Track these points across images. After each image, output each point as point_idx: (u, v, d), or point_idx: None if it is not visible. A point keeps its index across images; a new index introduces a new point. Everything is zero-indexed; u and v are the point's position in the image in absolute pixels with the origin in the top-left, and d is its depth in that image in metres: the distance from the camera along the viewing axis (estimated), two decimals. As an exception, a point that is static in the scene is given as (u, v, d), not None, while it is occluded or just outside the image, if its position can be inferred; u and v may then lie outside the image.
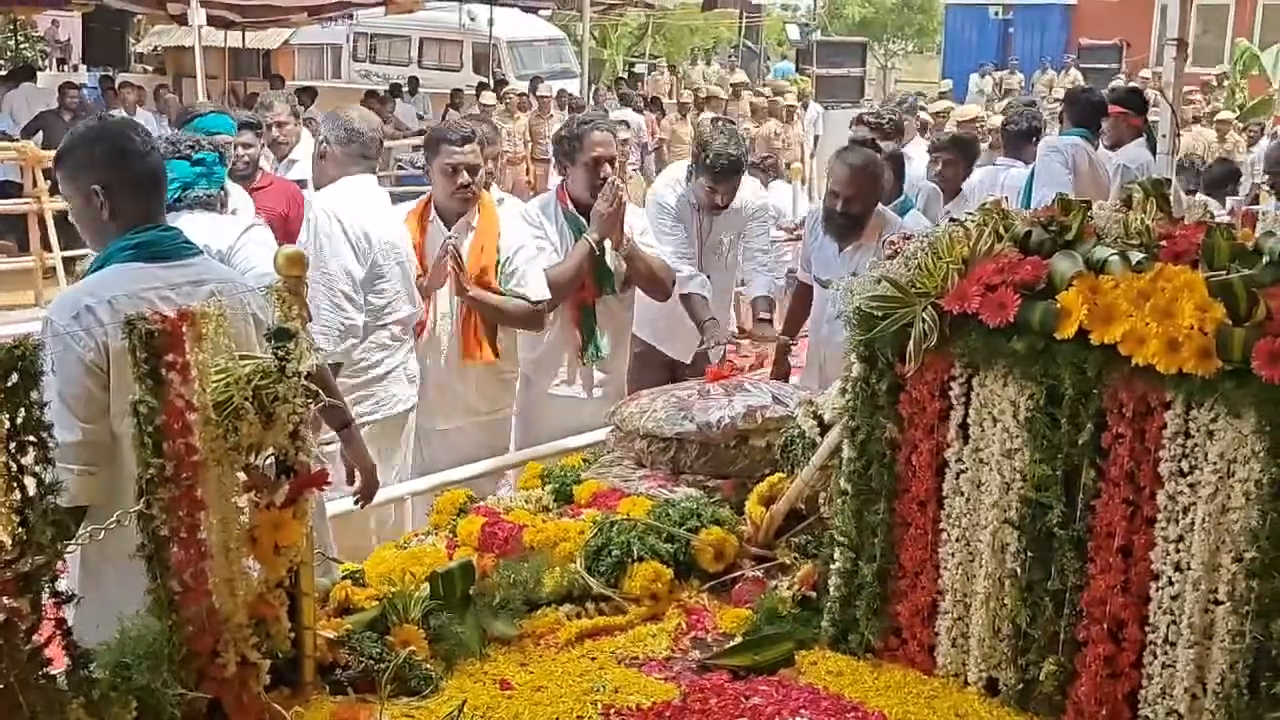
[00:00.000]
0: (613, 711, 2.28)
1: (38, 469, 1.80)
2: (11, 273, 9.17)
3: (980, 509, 2.36)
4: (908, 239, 2.63)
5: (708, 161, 4.70)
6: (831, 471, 2.70)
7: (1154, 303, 2.13)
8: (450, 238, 4.14)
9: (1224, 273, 2.16)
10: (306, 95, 14.19)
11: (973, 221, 2.50)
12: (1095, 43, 22.71)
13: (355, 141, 4.13)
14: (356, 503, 3.36)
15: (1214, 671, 2.10)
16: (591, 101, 15.88)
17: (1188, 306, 2.09)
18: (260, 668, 2.17)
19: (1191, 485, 2.11)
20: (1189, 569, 2.12)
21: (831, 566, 2.58)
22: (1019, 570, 2.32)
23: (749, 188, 5.02)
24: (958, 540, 2.40)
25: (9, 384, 1.77)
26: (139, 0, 14.65)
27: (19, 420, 1.78)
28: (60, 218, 8.43)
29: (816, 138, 16.37)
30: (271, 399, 2.15)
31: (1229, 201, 8.85)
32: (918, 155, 7.57)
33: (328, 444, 3.34)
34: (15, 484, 1.79)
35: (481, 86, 17.11)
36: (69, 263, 8.75)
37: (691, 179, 4.88)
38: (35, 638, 1.82)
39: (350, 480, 3.28)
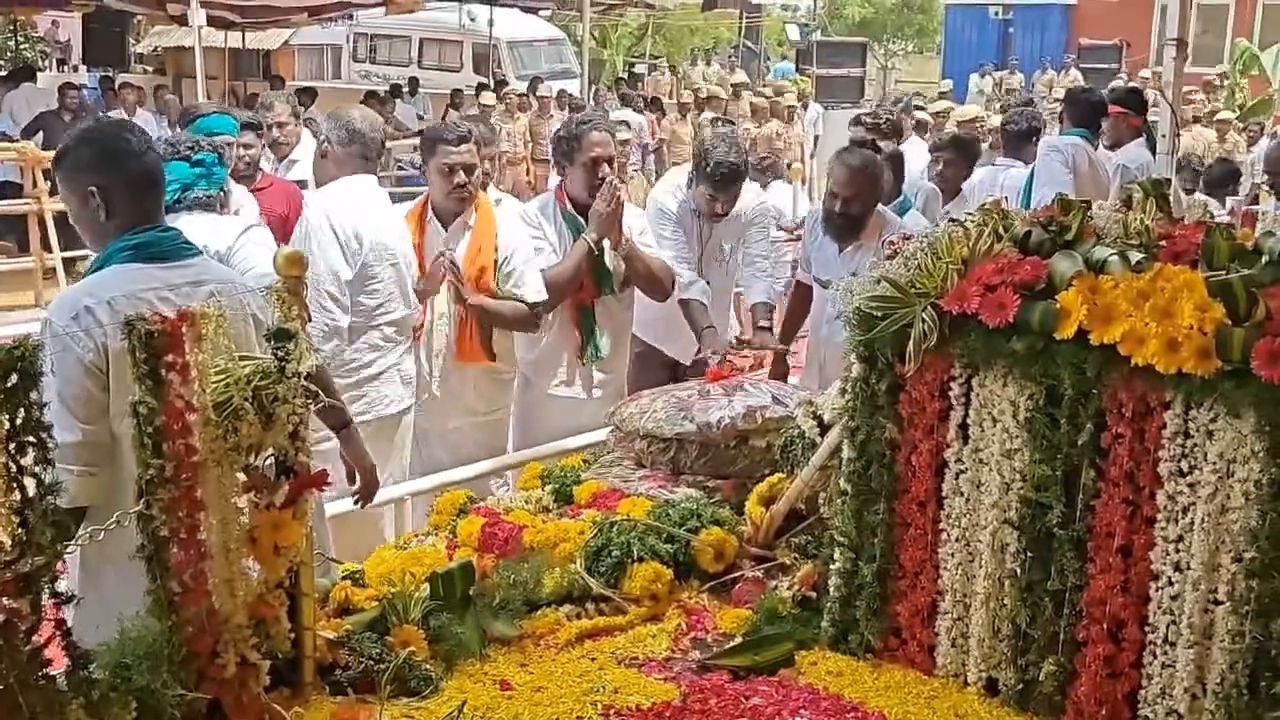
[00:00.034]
0: (612, 712, 2.28)
1: (37, 470, 1.81)
2: (11, 273, 9.17)
3: (980, 509, 2.36)
4: (907, 239, 2.63)
5: (708, 170, 4.70)
6: (831, 472, 2.70)
7: (1153, 303, 2.13)
8: (445, 250, 4.14)
9: (1223, 273, 2.16)
10: (306, 96, 14.19)
11: (972, 222, 2.51)
12: (1095, 43, 22.70)
13: (356, 142, 4.13)
14: (356, 503, 3.35)
15: (1214, 671, 2.11)
16: (591, 102, 15.88)
17: (1187, 306, 2.09)
18: (260, 668, 2.17)
19: (1191, 485, 2.11)
20: (1189, 569, 2.12)
21: (831, 567, 2.58)
22: (1019, 570, 2.32)
23: (749, 192, 5.02)
24: (957, 540, 2.41)
25: (8, 385, 1.77)
26: (139, 1, 14.64)
27: (18, 421, 1.79)
28: (60, 218, 8.42)
29: (816, 138, 16.37)
30: (271, 399, 2.15)
31: (1229, 201, 8.85)
32: (913, 155, 7.57)
33: (319, 443, 3.34)
34: (15, 485, 1.79)
35: (481, 87, 17.11)
36: (69, 263, 8.75)
37: (692, 186, 4.88)
38: (35, 638, 1.82)
39: (351, 480, 3.28)
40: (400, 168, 13.85)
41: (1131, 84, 12.84)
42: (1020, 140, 7.03)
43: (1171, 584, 2.14)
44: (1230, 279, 2.11)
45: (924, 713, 2.35)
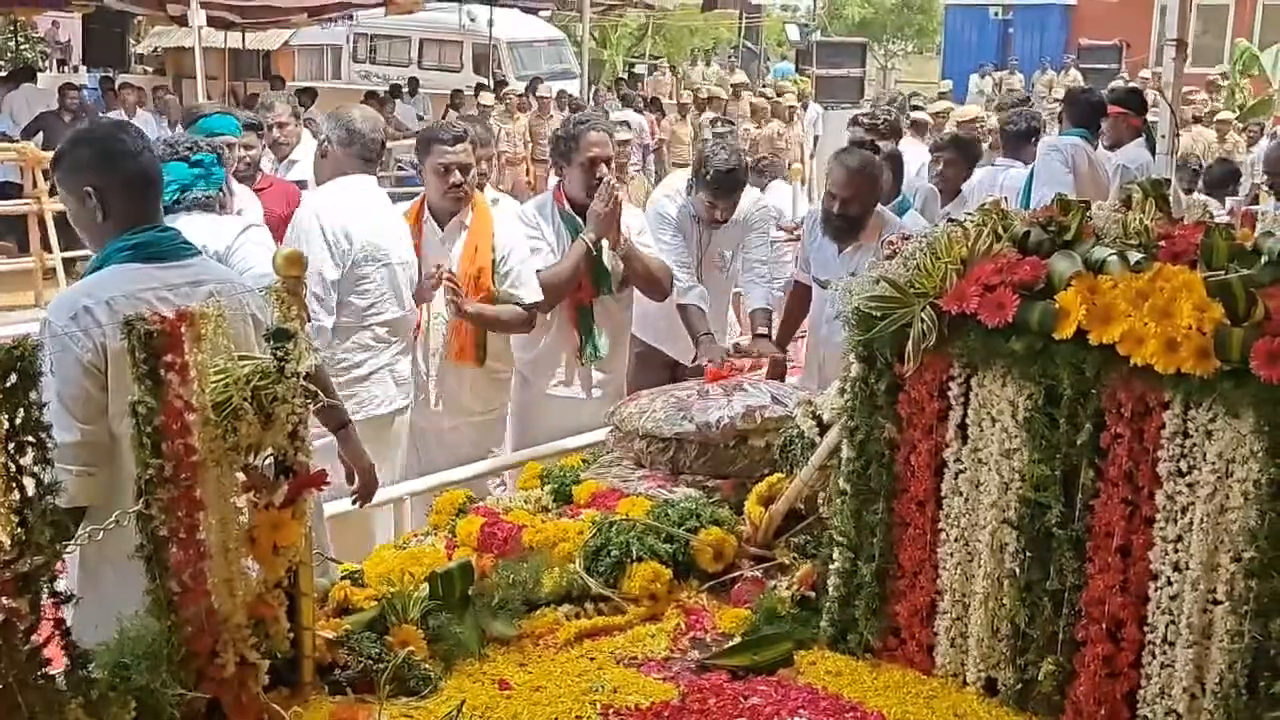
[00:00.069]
0: (611, 711, 2.28)
1: (37, 469, 1.81)
2: (11, 274, 9.17)
3: (979, 509, 2.36)
4: (906, 239, 2.63)
5: (708, 178, 4.70)
6: (830, 471, 2.70)
7: (1152, 303, 2.13)
8: (440, 266, 4.14)
9: (1223, 273, 2.16)
10: (306, 96, 14.19)
11: (971, 222, 2.51)
12: (1095, 43, 22.70)
13: (356, 143, 4.14)
14: (355, 503, 3.36)
15: (1213, 671, 2.10)
16: (591, 102, 15.88)
17: (1186, 306, 2.09)
18: (259, 668, 2.17)
19: (1190, 485, 2.11)
20: (1187, 569, 2.12)
21: (830, 566, 2.58)
22: (1017, 570, 2.32)
23: (748, 197, 5.02)
24: (956, 540, 2.41)
25: (8, 385, 1.77)
26: (139, 1, 14.65)
27: (18, 421, 1.79)
28: (60, 219, 8.42)
29: (816, 138, 16.37)
30: (270, 399, 2.15)
31: (1229, 201, 8.85)
32: (909, 155, 7.56)
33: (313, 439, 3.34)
34: (14, 484, 1.79)
35: (480, 87, 17.11)
36: (69, 264, 8.75)
37: (692, 192, 4.88)
38: (34, 638, 1.82)
39: (349, 480, 3.28)
40: (400, 168, 13.85)
41: (1131, 84, 12.83)
42: (1019, 140, 7.03)
43: (1170, 584, 2.14)
44: (1229, 279, 2.11)
45: (923, 712, 2.35)
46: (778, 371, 4.69)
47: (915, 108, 13.09)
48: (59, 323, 2.49)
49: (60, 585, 1.92)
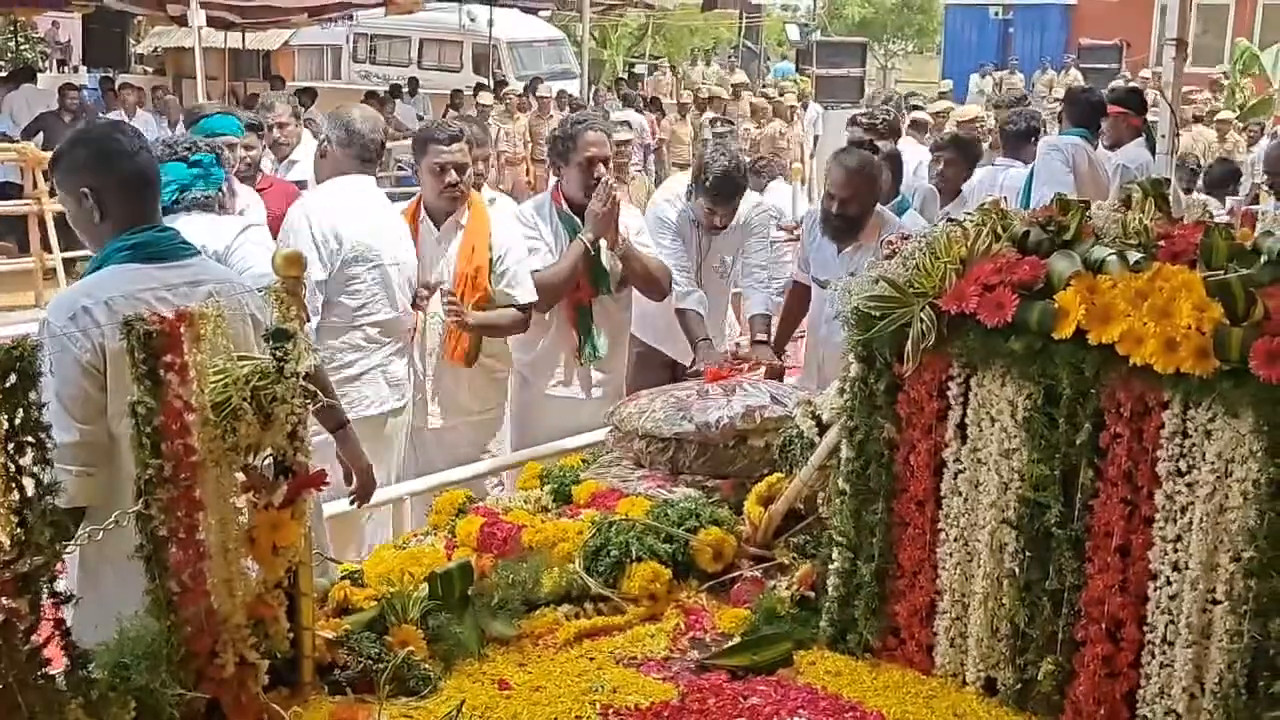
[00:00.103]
0: (611, 711, 2.28)
1: (36, 470, 1.81)
2: (12, 274, 9.17)
3: (978, 509, 2.36)
4: (905, 239, 2.63)
5: (707, 184, 4.71)
6: (830, 471, 2.70)
7: (1152, 302, 2.13)
8: (442, 283, 4.14)
9: (1222, 272, 2.16)
10: (306, 96, 14.19)
11: (970, 221, 2.51)
12: (1095, 43, 22.70)
13: (355, 143, 4.14)
14: (352, 503, 3.36)
15: (1212, 671, 2.10)
16: (591, 102, 15.88)
17: (1185, 306, 2.09)
18: (259, 668, 2.17)
19: (1189, 485, 2.11)
20: (1187, 568, 2.12)
21: (830, 566, 2.58)
22: (1017, 570, 2.32)
23: (748, 201, 5.02)
24: (956, 540, 2.41)
25: (7, 385, 1.77)
26: (139, 1, 14.65)
27: (17, 421, 1.79)
28: (60, 219, 8.41)
29: (816, 138, 16.37)
30: (270, 399, 2.15)
31: (1229, 201, 8.85)
32: (908, 154, 7.56)
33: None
34: (14, 485, 1.79)
35: (480, 87, 17.11)
36: (69, 264, 8.75)
37: (691, 197, 4.88)
38: (34, 638, 1.82)
39: (347, 481, 3.28)
40: (400, 168, 13.84)
41: (1131, 84, 12.83)
42: (1019, 140, 7.03)
43: (1170, 583, 2.14)
44: (1229, 279, 2.11)
45: (922, 712, 2.35)
46: (775, 372, 4.69)
47: (915, 107, 13.09)
48: (58, 323, 2.49)
49: (60, 585, 1.92)
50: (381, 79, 20.23)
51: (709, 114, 15.34)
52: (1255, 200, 8.60)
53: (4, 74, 16.54)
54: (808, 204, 8.74)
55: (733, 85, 19.37)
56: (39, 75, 17.63)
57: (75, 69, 21.80)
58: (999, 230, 2.45)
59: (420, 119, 16.42)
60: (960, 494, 2.39)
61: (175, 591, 2.03)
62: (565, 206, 4.48)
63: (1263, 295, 2.08)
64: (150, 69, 21.74)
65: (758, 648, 2.53)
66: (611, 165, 4.54)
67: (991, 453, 2.32)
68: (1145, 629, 2.18)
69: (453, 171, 4.16)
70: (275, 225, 4.56)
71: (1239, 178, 9.86)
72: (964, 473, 2.38)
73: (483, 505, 3.19)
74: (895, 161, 5.85)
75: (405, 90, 18.11)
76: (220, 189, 3.89)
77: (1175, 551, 2.13)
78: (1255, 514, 2.03)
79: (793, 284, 5.11)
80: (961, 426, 2.37)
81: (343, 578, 2.65)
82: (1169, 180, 4.74)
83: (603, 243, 4.40)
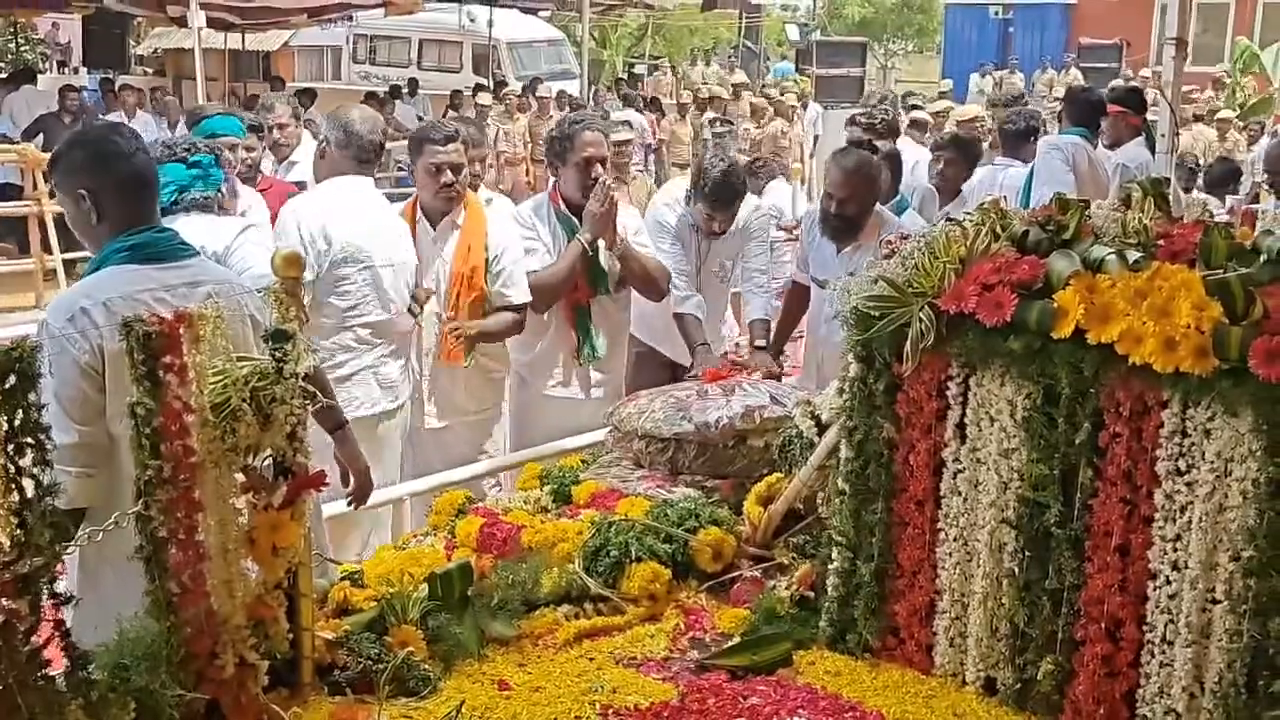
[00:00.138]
0: (611, 712, 2.28)
1: (36, 471, 1.81)
2: (12, 275, 9.18)
3: (978, 508, 2.36)
4: (904, 239, 2.63)
5: (706, 190, 4.71)
6: (829, 471, 2.70)
7: (1151, 302, 2.13)
8: (433, 291, 4.12)
9: (1221, 272, 2.16)
10: (306, 97, 14.18)
11: (970, 221, 2.51)
12: (1095, 42, 22.70)
13: (353, 144, 4.14)
14: (350, 504, 3.35)
15: (1212, 670, 2.10)
16: (591, 102, 15.88)
17: (1185, 305, 2.09)
18: (258, 669, 2.17)
19: (1189, 484, 2.11)
20: (1186, 568, 2.12)
21: (829, 566, 2.58)
22: (1016, 570, 2.32)
23: (748, 205, 5.02)
24: (955, 540, 2.41)
25: (7, 386, 1.77)
26: (139, 3, 14.65)
27: (17, 422, 1.79)
28: (60, 220, 8.41)
29: (816, 138, 16.37)
30: (269, 400, 2.15)
31: (1229, 200, 8.85)
32: (907, 154, 7.56)
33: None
34: (14, 486, 1.79)
35: (479, 88, 17.11)
36: (69, 265, 8.76)
37: (690, 202, 4.89)
38: (34, 639, 1.82)
39: (345, 482, 3.28)
40: (400, 169, 13.85)
41: (1131, 83, 12.82)
42: (1018, 140, 7.03)
43: (1169, 583, 2.14)
44: (1228, 278, 2.11)
45: (922, 712, 2.35)
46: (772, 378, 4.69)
47: (914, 107, 13.08)
48: (56, 324, 2.49)
49: (60, 586, 1.92)
50: (381, 80, 20.24)
51: (709, 114, 15.34)
52: (1255, 199, 8.60)
53: (4, 75, 16.54)
54: (807, 204, 8.74)
55: (733, 85, 19.37)
56: (39, 76, 17.63)
57: (75, 70, 21.81)
58: (998, 230, 2.45)
59: (420, 120, 16.42)
60: (960, 494, 2.39)
61: (175, 592, 2.03)
62: (563, 207, 4.48)
63: (1262, 294, 2.08)
64: (150, 70, 21.75)
65: (757, 648, 2.53)
66: (609, 165, 4.54)
67: (991, 452, 2.32)
68: (1145, 628, 2.18)
69: (448, 172, 4.16)
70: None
71: (1239, 177, 9.86)
72: (963, 472, 2.38)
73: (482, 506, 3.19)
74: (894, 161, 5.85)
75: (405, 91, 18.12)
76: (219, 190, 3.89)
77: (1175, 551, 2.13)
78: (1254, 513, 2.03)
79: (792, 284, 5.11)
80: (961, 426, 2.37)
81: (342, 578, 2.65)
82: (1169, 179, 4.74)
83: (601, 243, 4.40)
